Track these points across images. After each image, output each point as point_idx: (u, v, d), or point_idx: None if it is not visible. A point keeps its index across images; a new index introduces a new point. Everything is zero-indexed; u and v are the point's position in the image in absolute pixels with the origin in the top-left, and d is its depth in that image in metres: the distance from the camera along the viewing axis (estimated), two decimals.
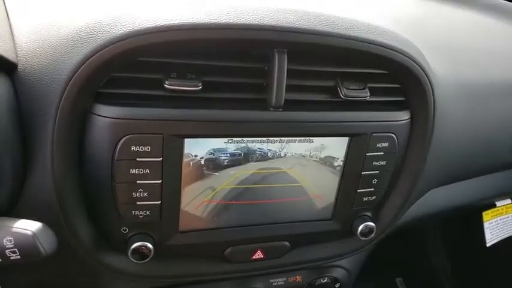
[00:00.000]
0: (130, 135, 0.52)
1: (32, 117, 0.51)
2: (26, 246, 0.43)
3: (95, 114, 0.52)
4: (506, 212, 1.11)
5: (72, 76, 0.48)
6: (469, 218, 1.56)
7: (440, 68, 0.70)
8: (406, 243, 1.81)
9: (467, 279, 1.65)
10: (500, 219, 1.10)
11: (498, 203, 1.10)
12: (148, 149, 0.53)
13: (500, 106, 0.82)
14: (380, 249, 0.89)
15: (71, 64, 0.49)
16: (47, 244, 0.45)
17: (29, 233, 0.44)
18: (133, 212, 0.57)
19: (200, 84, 0.53)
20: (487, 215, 1.08)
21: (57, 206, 0.53)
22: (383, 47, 0.57)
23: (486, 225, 1.08)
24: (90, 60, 0.48)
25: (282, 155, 0.61)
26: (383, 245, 0.89)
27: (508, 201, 1.11)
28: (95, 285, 0.69)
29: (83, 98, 0.50)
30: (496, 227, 1.10)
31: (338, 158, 0.64)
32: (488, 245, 1.09)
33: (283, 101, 0.56)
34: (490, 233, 1.09)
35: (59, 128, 0.50)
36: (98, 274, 0.66)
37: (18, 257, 0.43)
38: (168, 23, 0.48)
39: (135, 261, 0.58)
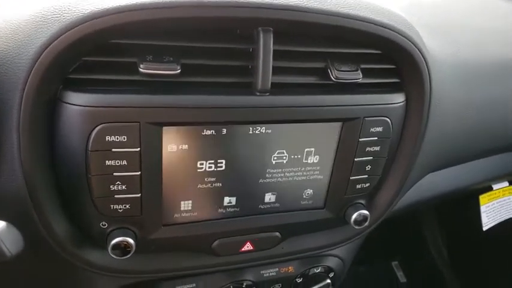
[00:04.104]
0: (104, 124, 0.48)
1: None
2: None
3: (65, 102, 0.48)
4: (503, 194, 1.09)
5: (37, 60, 0.44)
6: (466, 202, 1.55)
7: (436, 48, 0.67)
8: (402, 227, 1.81)
9: (464, 263, 1.65)
10: (497, 202, 1.08)
11: (495, 186, 1.08)
12: (124, 138, 0.49)
13: (499, 88, 0.79)
14: (376, 233, 0.87)
15: (34, 47, 0.44)
16: (12, 245, 0.41)
17: None
18: (111, 206, 0.53)
19: (179, 68, 0.49)
20: (483, 199, 1.06)
21: (29, 200, 0.50)
22: (375, 24, 0.54)
23: (483, 208, 1.06)
24: (56, 42, 0.44)
25: (271, 140, 0.57)
26: (379, 229, 0.87)
27: (505, 183, 1.09)
28: (76, 283, 0.66)
29: (50, 84, 0.46)
30: (493, 210, 1.08)
31: (329, 144, 0.61)
32: (484, 228, 1.07)
33: (269, 84, 0.52)
34: (487, 216, 1.07)
35: (25, 117, 0.46)
36: (78, 271, 0.62)
37: None
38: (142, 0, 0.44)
39: (116, 257, 0.55)
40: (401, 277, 1.89)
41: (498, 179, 1.07)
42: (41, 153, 0.50)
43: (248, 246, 0.65)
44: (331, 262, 0.78)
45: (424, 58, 0.59)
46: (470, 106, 0.75)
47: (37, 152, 0.49)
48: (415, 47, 0.58)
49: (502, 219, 1.11)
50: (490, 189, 1.08)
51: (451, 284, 1.69)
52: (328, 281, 0.77)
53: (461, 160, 0.87)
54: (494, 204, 1.08)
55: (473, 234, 1.56)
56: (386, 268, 1.92)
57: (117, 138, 0.49)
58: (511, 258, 1.41)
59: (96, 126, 0.48)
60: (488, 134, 0.83)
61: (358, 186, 0.65)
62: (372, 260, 1.79)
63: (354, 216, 0.66)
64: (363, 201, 0.68)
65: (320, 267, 0.77)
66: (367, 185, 0.66)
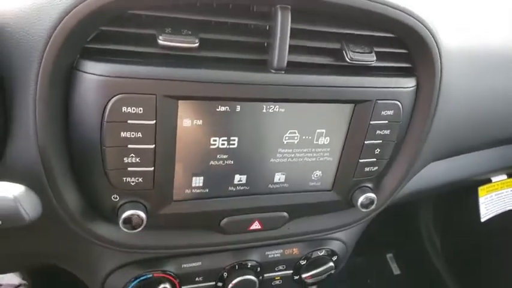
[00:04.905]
0: (121, 95, 0.48)
1: (12, 74, 0.47)
2: (7, 210, 0.40)
3: (82, 71, 0.47)
4: (501, 187, 1.10)
5: (56, 27, 0.44)
6: (461, 196, 1.57)
7: (446, 36, 0.67)
8: (397, 220, 1.83)
9: (456, 256, 1.67)
10: (495, 195, 1.09)
11: (494, 179, 1.10)
12: (140, 110, 0.49)
13: (507, 79, 0.79)
14: (372, 225, 0.88)
15: (54, 14, 0.44)
16: (31, 209, 0.41)
17: (11, 196, 0.40)
18: (124, 178, 0.53)
19: (197, 41, 0.49)
20: (482, 190, 1.08)
21: (42, 171, 0.50)
22: (391, 7, 0.54)
23: (481, 200, 1.08)
24: (75, 9, 0.43)
25: (283, 119, 0.58)
26: (375, 221, 0.88)
27: (504, 177, 1.11)
28: (84, 257, 0.67)
29: (68, 53, 0.46)
30: (491, 202, 1.09)
31: (340, 126, 0.61)
32: (482, 220, 1.09)
33: (285, 62, 0.52)
34: (485, 208, 1.08)
35: (42, 87, 0.46)
36: (87, 245, 0.63)
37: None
38: None
39: (126, 230, 0.55)
40: (395, 269, 1.91)
41: (497, 171, 1.08)
42: (57, 123, 0.49)
43: (256, 225, 0.65)
44: (335, 246, 0.79)
45: (436, 43, 0.60)
46: (477, 96, 0.76)
47: (53, 122, 0.49)
48: (429, 31, 0.58)
49: (500, 212, 1.12)
50: (489, 181, 1.09)
51: (444, 276, 1.71)
52: (331, 264, 0.78)
53: (464, 150, 0.88)
54: (492, 196, 1.09)
55: (466, 227, 1.58)
56: (381, 260, 1.94)
57: (134, 110, 0.49)
58: (503, 251, 1.44)
59: (113, 96, 0.48)
60: (493, 125, 0.83)
61: (367, 169, 0.66)
62: (367, 253, 1.81)
63: (361, 199, 0.67)
64: (370, 185, 0.69)
65: (324, 251, 0.78)
66: (375, 168, 0.67)
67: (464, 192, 1.53)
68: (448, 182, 0.97)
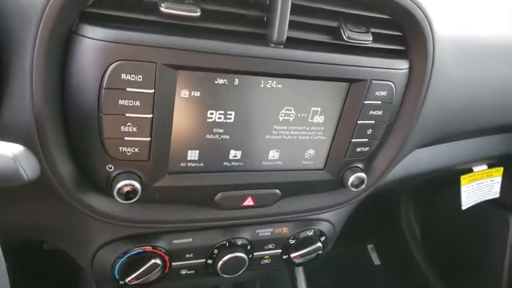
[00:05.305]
0: (120, 61, 0.47)
1: (9, 36, 0.46)
2: (6, 169, 0.39)
3: (82, 35, 0.47)
4: (481, 177, 1.14)
5: None
6: (440, 188, 1.62)
7: (441, 25, 0.69)
8: (378, 211, 1.87)
9: (436, 247, 1.72)
10: (476, 184, 1.13)
11: (475, 169, 1.13)
12: (139, 78, 0.49)
13: (498, 69, 0.82)
14: (354, 215, 0.90)
15: None
16: (30, 169, 0.41)
17: (10, 155, 0.39)
18: (120, 148, 0.53)
19: (199, 11, 0.49)
20: (464, 179, 1.11)
21: (36, 134, 0.49)
22: None
23: (463, 188, 1.11)
24: None
25: (280, 95, 0.58)
26: (356, 211, 0.90)
27: (484, 167, 1.14)
28: (76, 231, 0.66)
29: (67, 15, 0.45)
30: (472, 191, 1.13)
31: (335, 105, 0.62)
32: (463, 208, 1.12)
33: (285, 37, 0.53)
34: (466, 196, 1.12)
35: (40, 49, 0.45)
36: (79, 218, 0.62)
37: None
38: None
39: (120, 200, 0.55)
40: (375, 259, 1.95)
41: (478, 161, 1.12)
42: (53, 89, 0.49)
43: (249, 201, 0.66)
44: (323, 226, 0.80)
45: (431, 28, 0.61)
46: (468, 84, 0.78)
47: (49, 86, 0.48)
48: (424, 15, 0.59)
49: (479, 201, 1.16)
50: (471, 171, 1.13)
51: (423, 266, 1.76)
52: (319, 244, 0.80)
53: (452, 137, 0.91)
54: (473, 185, 1.13)
55: (445, 218, 1.63)
56: (362, 251, 1.98)
57: (133, 78, 0.49)
58: (481, 241, 1.49)
59: (113, 62, 0.47)
60: (482, 114, 0.86)
61: (358, 149, 0.67)
62: (348, 243, 1.84)
63: (352, 178, 0.68)
64: (360, 165, 0.70)
65: (312, 231, 0.79)
66: (367, 149, 0.68)
67: (444, 184, 1.58)
68: (432, 170, 1.00)
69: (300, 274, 1.07)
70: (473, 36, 0.79)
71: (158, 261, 0.68)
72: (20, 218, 0.60)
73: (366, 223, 1.83)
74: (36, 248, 1.12)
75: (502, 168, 1.15)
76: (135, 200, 0.55)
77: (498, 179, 1.14)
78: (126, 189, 0.55)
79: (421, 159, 0.95)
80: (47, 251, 1.08)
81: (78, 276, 1.18)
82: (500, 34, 0.82)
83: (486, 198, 1.17)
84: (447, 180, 1.42)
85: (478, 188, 1.14)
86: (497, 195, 1.17)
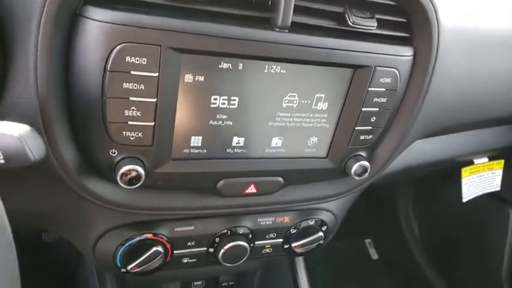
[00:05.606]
0: (125, 44, 0.47)
1: (13, 18, 0.45)
2: (12, 149, 0.39)
3: (87, 17, 0.46)
4: (482, 169, 1.14)
5: None
6: (439, 183, 1.62)
7: (446, 15, 0.68)
8: (377, 206, 1.87)
9: (434, 242, 1.72)
10: (477, 177, 1.13)
11: (476, 161, 1.13)
12: (144, 61, 0.49)
13: (502, 61, 0.82)
14: (352, 210, 0.90)
15: None
16: (35, 150, 0.40)
17: (16, 135, 0.39)
18: (124, 132, 0.53)
19: None
20: (465, 171, 1.11)
21: (40, 120, 0.48)
22: None
23: (464, 181, 1.11)
24: None
25: (284, 81, 0.58)
26: (355, 206, 0.90)
27: (485, 159, 1.14)
28: (78, 218, 0.65)
29: None
30: (473, 184, 1.13)
31: (339, 91, 0.62)
32: (464, 200, 1.12)
33: (290, 21, 0.53)
34: (467, 189, 1.12)
35: (44, 31, 0.45)
36: (82, 205, 0.62)
37: (2, 161, 0.39)
38: None
39: (123, 185, 0.55)
40: (373, 254, 1.96)
41: (480, 153, 1.12)
42: (57, 72, 0.48)
43: (252, 189, 0.66)
44: (325, 216, 0.80)
45: (436, 15, 0.61)
46: (472, 75, 0.78)
47: (53, 70, 0.47)
48: (430, 2, 0.59)
49: (480, 193, 1.16)
50: (472, 163, 1.13)
51: (421, 261, 1.76)
52: (321, 234, 0.80)
53: (454, 128, 0.91)
54: (474, 178, 1.13)
55: (444, 213, 1.64)
56: (360, 245, 1.99)
57: (137, 60, 0.48)
58: (479, 237, 1.49)
59: (118, 45, 0.47)
60: (485, 105, 0.86)
61: (362, 137, 0.67)
62: (346, 238, 1.85)
63: (355, 167, 0.68)
64: (364, 154, 0.70)
65: (314, 220, 0.79)
66: (370, 137, 0.68)
67: (443, 179, 1.58)
68: (433, 161, 1.00)
69: (301, 265, 1.07)
70: (477, 27, 0.79)
71: (160, 248, 0.68)
72: (22, 203, 0.59)
73: (364, 218, 1.83)
74: (35, 239, 1.12)
75: (503, 161, 1.15)
76: (138, 185, 0.55)
77: (499, 172, 1.14)
78: (129, 174, 0.54)
79: (423, 150, 0.95)
80: (46, 244, 1.07)
81: (77, 269, 1.18)
82: (504, 26, 0.82)
83: (487, 191, 1.18)
84: (447, 173, 1.43)
85: (479, 181, 1.14)
86: (498, 188, 1.17)
